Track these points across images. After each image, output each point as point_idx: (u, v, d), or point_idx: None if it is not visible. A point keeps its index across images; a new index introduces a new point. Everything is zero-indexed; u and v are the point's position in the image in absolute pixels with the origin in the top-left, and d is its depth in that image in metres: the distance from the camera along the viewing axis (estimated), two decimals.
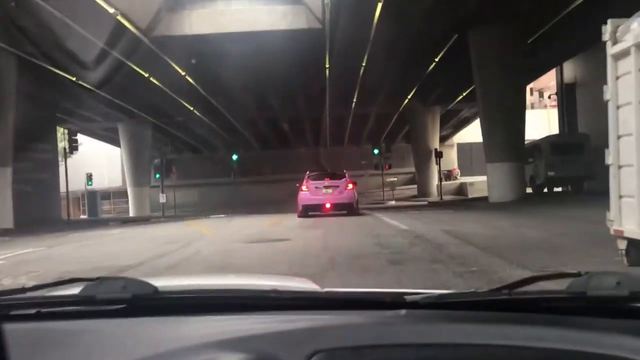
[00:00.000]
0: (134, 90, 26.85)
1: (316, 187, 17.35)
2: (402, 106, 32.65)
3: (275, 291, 1.27)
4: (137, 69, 22.61)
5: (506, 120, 19.35)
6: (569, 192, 24.31)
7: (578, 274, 1.11)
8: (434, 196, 33.39)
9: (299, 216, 17.04)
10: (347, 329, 1.07)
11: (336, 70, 23.89)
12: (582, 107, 25.69)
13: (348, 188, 17.22)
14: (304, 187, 17.46)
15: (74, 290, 1.28)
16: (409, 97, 30.56)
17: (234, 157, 29.73)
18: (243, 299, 1.26)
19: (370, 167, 36.84)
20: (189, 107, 29.34)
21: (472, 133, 44.05)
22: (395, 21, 18.43)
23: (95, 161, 43.43)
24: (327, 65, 23.08)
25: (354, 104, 30.40)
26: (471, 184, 33.36)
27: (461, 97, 31.01)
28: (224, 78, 25.20)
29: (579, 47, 23.40)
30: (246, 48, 21.03)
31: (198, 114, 30.88)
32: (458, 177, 42.89)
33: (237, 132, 36.71)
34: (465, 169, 44.71)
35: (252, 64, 23.15)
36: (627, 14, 5.56)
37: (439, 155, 31.07)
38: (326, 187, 17.34)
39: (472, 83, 27.88)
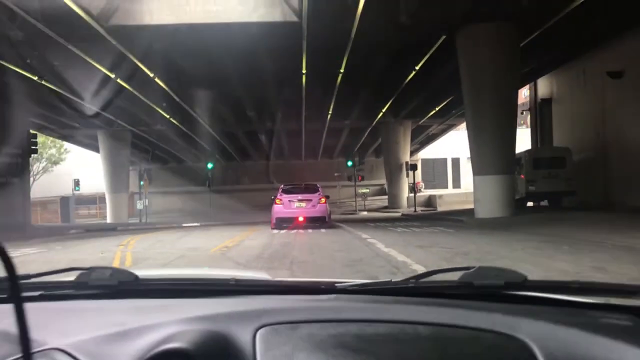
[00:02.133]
0: (107, 97, 21.68)
1: (290, 201, 15.03)
2: (376, 120, 27.83)
3: (234, 279, 1.27)
4: (103, 70, 17.42)
5: (497, 129, 14.56)
6: (547, 208, 19.71)
7: (468, 268, 1.13)
8: (405, 207, 29.09)
9: (272, 228, 14.68)
10: (287, 309, 1.09)
11: (313, 79, 19.02)
12: (557, 122, 21.21)
13: (321, 202, 15.03)
14: (277, 200, 15.16)
15: (70, 277, 1.28)
16: (384, 110, 25.79)
17: (209, 165, 25.16)
18: (208, 285, 1.29)
19: (342, 179, 32.93)
20: (165, 115, 24.12)
21: (435, 150, 40.71)
22: (379, 17, 13.64)
23: (86, 167, 38.19)
24: (304, 71, 18.13)
25: (329, 116, 25.63)
26: (440, 196, 29.28)
27: (433, 112, 26.50)
28: (196, 82, 20.14)
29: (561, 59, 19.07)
30: (216, 45, 16.05)
31: (176, 122, 25.64)
32: (422, 189, 38.73)
33: (218, 143, 31.72)
34: (428, 183, 41.09)
35: (225, 67, 18.23)
36: None
37: (413, 167, 26.36)
38: (300, 200, 14.98)
39: (445, 98, 23.81)
